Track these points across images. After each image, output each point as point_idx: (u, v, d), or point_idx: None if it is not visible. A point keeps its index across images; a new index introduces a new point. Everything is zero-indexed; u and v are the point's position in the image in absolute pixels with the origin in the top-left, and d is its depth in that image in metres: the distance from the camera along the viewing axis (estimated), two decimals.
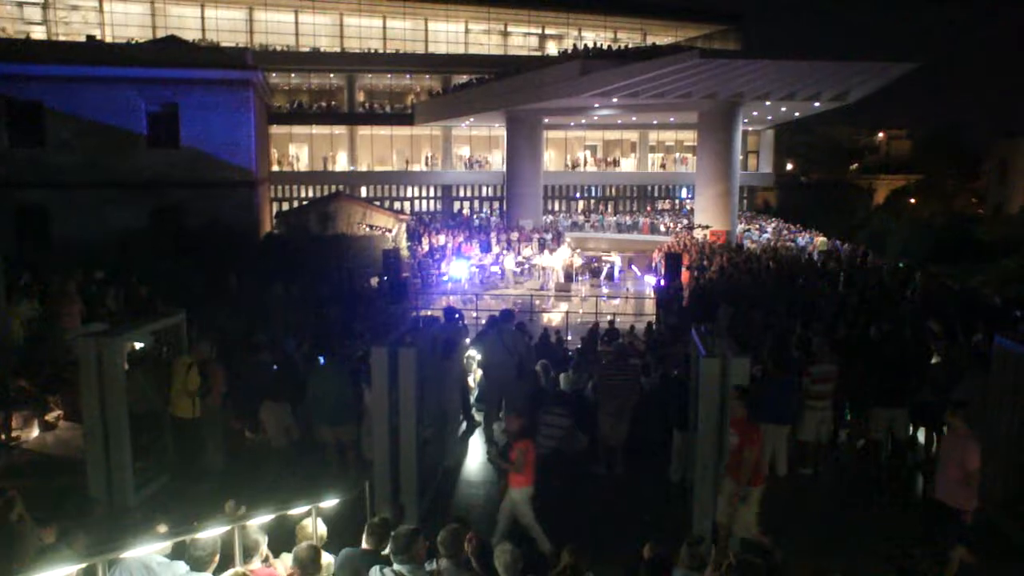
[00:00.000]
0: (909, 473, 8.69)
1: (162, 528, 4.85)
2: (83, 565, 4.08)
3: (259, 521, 5.03)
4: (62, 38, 37.38)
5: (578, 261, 25.22)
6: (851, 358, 9.16)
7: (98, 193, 21.06)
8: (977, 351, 9.31)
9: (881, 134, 69.46)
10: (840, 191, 54.82)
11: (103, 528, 5.64)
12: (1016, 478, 7.32)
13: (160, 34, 37.24)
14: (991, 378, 7.68)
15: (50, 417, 9.69)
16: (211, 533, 4.66)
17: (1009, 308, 14.03)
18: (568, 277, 24.26)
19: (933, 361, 9.55)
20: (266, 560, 5.01)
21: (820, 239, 31.32)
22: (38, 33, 38.10)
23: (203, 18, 41.56)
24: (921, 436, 9.05)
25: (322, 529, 5.50)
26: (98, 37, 36.50)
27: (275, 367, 9.05)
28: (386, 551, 4.87)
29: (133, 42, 33.20)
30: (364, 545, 5.01)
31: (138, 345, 8.51)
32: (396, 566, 4.59)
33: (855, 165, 65.00)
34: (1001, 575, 6.44)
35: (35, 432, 9.47)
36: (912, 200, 54.35)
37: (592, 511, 7.40)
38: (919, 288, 16.64)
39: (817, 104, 32.20)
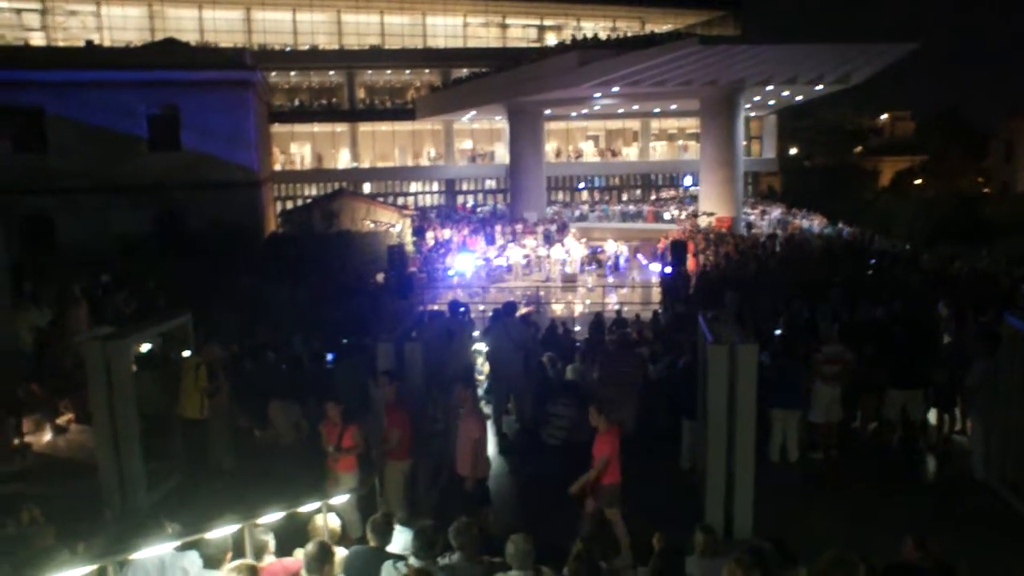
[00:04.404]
0: (922, 455, 8.65)
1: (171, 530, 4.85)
2: (94, 567, 4.09)
3: (270, 519, 5.04)
4: (61, 43, 37.39)
5: (584, 251, 25.18)
6: (861, 341, 9.11)
7: (101, 198, 21.08)
8: (986, 331, 9.24)
9: (885, 115, 69.00)
10: (845, 174, 54.43)
11: (115, 530, 5.66)
12: None
13: (158, 37, 37.17)
14: (1001, 357, 7.62)
15: (61, 420, 9.73)
16: (222, 532, 4.68)
17: (1017, 287, 13.95)
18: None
19: (943, 342, 9.51)
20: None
21: (822, 221, 31.09)
22: (37, 39, 38.10)
23: (201, 19, 41.48)
24: (933, 417, 9.00)
25: (335, 523, 5.50)
26: (96, 41, 36.47)
27: (283, 366, 9.05)
28: (390, 546, 4.87)
29: (132, 45, 33.23)
30: (370, 542, 5.00)
31: (145, 347, 8.52)
32: (412, 560, 4.57)
33: (859, 148, 64.57)
34: (1014, 554, 6.41)
35: (47, 436, 9.51)
36: (918, 181, 53.96)
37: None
38: (925, 269, 16.56)
39: (819, 88, 31.95)
